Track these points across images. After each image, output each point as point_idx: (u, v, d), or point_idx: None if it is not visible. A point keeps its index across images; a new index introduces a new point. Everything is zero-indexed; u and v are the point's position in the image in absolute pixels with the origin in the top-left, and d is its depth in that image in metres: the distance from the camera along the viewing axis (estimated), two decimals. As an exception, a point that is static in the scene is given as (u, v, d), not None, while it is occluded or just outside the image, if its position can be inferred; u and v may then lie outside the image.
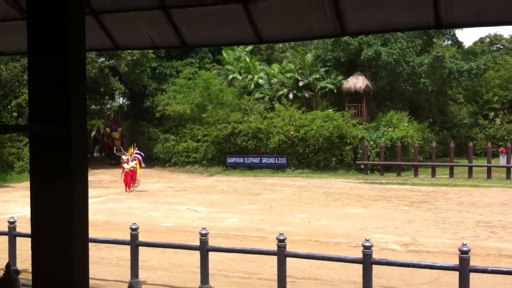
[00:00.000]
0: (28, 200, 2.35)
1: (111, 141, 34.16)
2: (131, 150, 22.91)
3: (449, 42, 36.94)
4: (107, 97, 39.75)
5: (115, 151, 27.56)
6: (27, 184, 13.94)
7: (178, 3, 3.55)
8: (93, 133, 39.50)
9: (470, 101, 35.68)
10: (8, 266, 7.21)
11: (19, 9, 3.83)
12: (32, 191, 2.33)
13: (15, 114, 28.99)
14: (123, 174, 22.31)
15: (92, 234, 2.93)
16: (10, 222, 10.00)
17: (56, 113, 2.28)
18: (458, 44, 35.67)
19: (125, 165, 22.24)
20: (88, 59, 25.57)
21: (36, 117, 2.35)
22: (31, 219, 2.32)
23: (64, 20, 2.26)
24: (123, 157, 22.68)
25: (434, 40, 33.31)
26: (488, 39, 41.54)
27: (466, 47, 34.75)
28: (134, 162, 22.25)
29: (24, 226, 9.65)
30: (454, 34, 35.60)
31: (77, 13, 2.30)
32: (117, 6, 3.69)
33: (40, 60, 2.30)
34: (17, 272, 6.46)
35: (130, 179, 22.23)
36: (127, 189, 21.94)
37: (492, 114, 34.49)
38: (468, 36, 77.24)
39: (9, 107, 28.81)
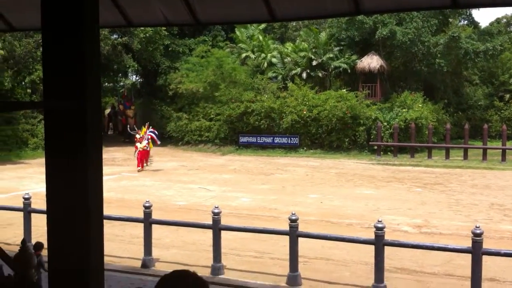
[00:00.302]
0: (43, 176, 2.34)
1: (124, 119, 34.28)
2: (144, 129, 22.93)
3: (465, 22, 36.30)
4: (120, 74, 39.74)
5: (128, 129, 27.64)
6: (41, 160, 14.05)
7: (192, -21, 3.48)
8: (108, 110, 39.58)
9: (485, 83, 35.13)
10: (24, 242, 7.23)
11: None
12: (48, 167, 2.32)
13: (29, 90, 29.10)
14: (137, 153, 22.32)
15: (106, 211, 2.93)
16: (25, 199, 10.15)
17: (71, 89, 2.26)
18: (474, 24, 35.10)
19: (138, 144, 22.26)
20: (101, 36, 25.47)
21: (50, 93, 2.33)
22: (47, 195, 2.31)
23: None
24: (137, 136, 22.69)
25: (450, 20, 32.74)
26: (504, 20, 40.71)
27: (482, 27, 34.15)
28: (146, 141, 22.20)
29: (39, 202, 9.76)
30: (470, 14, 35.03)
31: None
32: (131, -18, 3.64)
33: (55, 36, 2.27)
34: (41, 245, 6.55)
35: (143, 158, 22.30)
36: (140, 168, 21.96)
37: (508, 96, 33.92)
38: (484, 16, 75.90)
39: (23, 83, 28.91)
